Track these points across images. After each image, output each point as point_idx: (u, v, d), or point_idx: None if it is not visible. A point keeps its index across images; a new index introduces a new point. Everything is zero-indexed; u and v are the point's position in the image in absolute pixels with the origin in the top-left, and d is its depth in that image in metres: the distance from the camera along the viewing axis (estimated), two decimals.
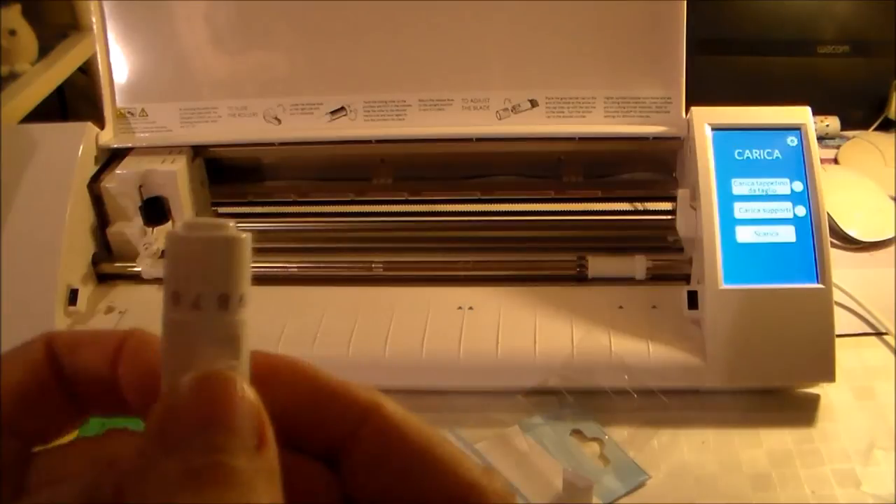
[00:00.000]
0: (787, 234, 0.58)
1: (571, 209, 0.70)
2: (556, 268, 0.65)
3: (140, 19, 0.67)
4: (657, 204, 0.71)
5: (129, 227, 0.66)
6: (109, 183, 0.66)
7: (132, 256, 0.66)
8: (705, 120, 0.61)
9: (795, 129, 0.61)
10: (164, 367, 0.18)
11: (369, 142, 0.68)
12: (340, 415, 0.19)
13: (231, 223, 0.18)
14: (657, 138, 0.65)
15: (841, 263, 0.71)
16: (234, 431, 0.16)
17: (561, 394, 0.58)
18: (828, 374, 0.57)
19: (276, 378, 0.19)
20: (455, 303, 0.63)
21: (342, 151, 0.69)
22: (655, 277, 0.64)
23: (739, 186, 0.59)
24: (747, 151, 0.60)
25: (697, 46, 0.70)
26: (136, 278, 0.66)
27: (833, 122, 0.90)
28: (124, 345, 0.20)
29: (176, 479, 0.16)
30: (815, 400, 0.59)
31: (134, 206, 0.66)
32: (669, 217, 0.66)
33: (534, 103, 0.66)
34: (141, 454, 0.16)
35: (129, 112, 0.69)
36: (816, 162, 0.60)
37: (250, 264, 0.18)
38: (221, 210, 0.72)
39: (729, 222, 0.58)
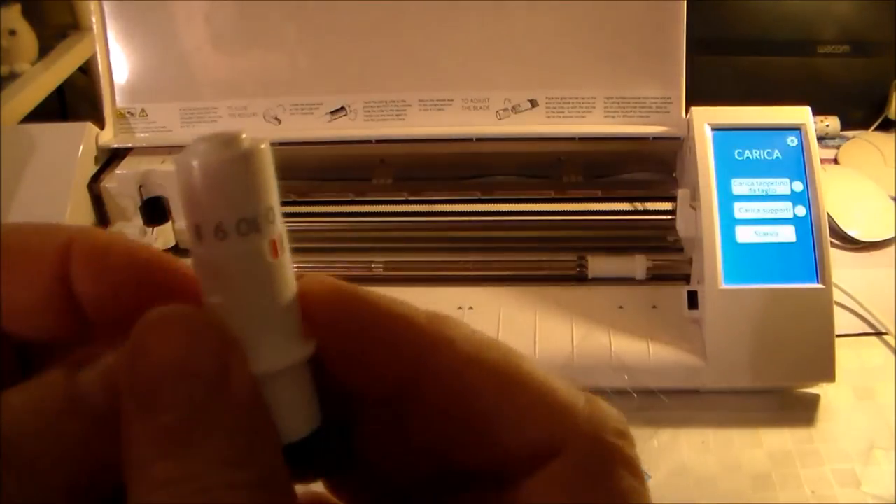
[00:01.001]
0: (787, 234, 0.58)
1: (571, 209, 0.70)
2: (556, 268, 0.65)
3: (140, 19, 0.67)
4: (657, 204, 0.71)
5: (129, 227, 0.66)
6: (109, 183, 0.66)
7: None
8: (705, 120, 0.61)
9: (795, 129, 0.61)
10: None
11: (369, 142, 0.68)
12: (396, 353, 0.16)
13: (243, 133, 0.16)
14: (657, 138, 0.65)
15: (841, 263, 0.71)
16: (196, 376, 0.15)
17: None
18: (828, 374, 0.57)
19: (324, 308, 0.17)
20: (455, 303, 0.63)
21: (342, 151, 0.69)
22: (655, 277, 0.64)
23: (739, 186, 0.59)
24: (747, 151, 0.60)
25: (697, 46, 0.70)
26: None
27: (833, 122, 0.90)
28: (71, 255, 0.17)
29: (148, 443, 0.15)
30: (815, 400, 0.59)
31: (134, 206, 0.66)
32: (669, 217, 0.66)
33: (534, 103, 0.66)
34: (122, 410, 0.15)
35: (129, 112, 0.69)
36: (816, 162, 0.60)
37: (273, 171, 0.16)
38: None
39: (729, 222, 0.58)
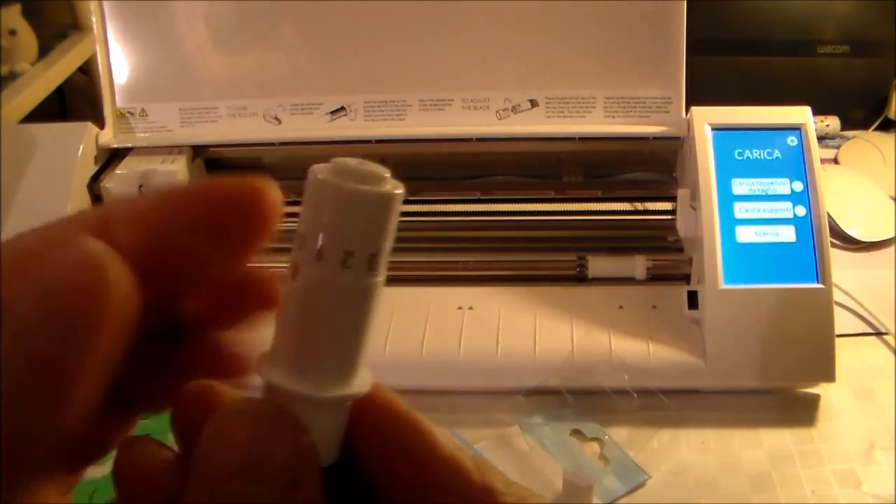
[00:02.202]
0: (787, 234, 0.58)
1: (571, 209, 0.70)
2: (556, 268, 0.65)
3: (140, 19, 0.67)
4: (657, 204, 0.71)
5: None
6: (109, 183, 0.66)
7: None
8: (705, 120, 0.61)
9: (795, 129, 0.61)
10: (284, 325, 0.16)
11: (369, 142, 0.68)
12: (446, 496, 0.18)
13: (387, 173, 0.16)
14: (657, 138, 0.65)
15: (841, 263, 0.71)
16: (264, 480, 0.15)
17: (561, 394, 0.58)
18: (828, 374, 0.57)
19: (384, 430, 0.18)
20: (455, 303, 0.63)
21: (342, 151, 0.69)
22: (655, 277, 0.64)
23: (739, 186, 0.59)
24: (747, 151, 0.60)
25: (697, 46, 0.70)
26: None
27: (833, 122, 0.90)
28: (109, 226, 0.17)
29: None
30: (815, 400, 0.59)
31: None
32: (669, 217, 0.66)
33: (534, 103, 0.66)
34: (188, 490, 0.16)
35: (129, 112, 0.69)
36: (816, 162, 0.60)
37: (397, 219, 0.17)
38: None
39: (729, 222, 0.58)
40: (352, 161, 0.16)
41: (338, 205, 0.16)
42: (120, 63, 0.68)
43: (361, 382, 0.17)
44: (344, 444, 0.18)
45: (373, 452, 0.18)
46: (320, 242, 0.16)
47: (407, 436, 0.18)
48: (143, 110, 0.69)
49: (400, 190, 0.16)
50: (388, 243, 0.17)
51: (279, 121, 0.68)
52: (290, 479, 0.16)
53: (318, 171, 0.16)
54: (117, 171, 0.65)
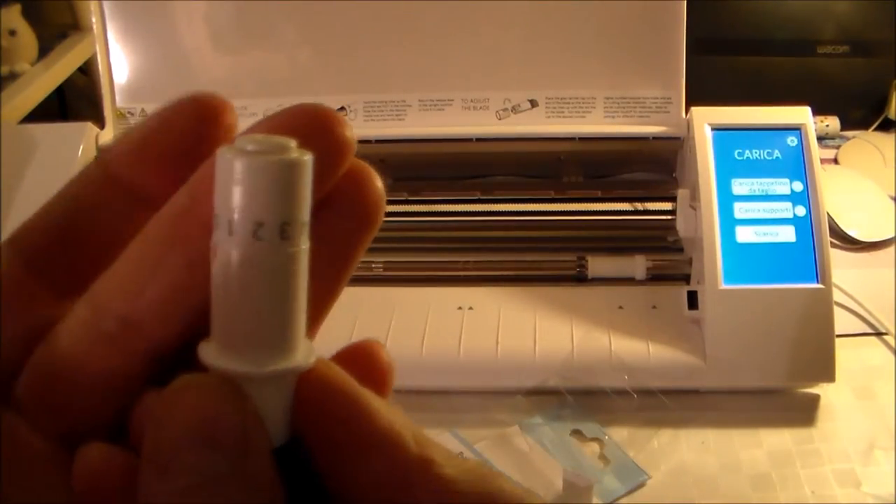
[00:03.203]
0: (787, 234, 0.58)
1: (571, 209, 0.70)
2: (556, 268, 0.65)
3: (140, 19, 0.67)
4: (657, 204, 0.71)
5: None
6: None
7: None
8: (705, 120, 0.61)
9: (795, 129, 0.61)
10: (215, 307, 0.16)
11: (369, 142, 0.67)
12: (383, 470, 0.17)
13: (293, 143, 0.16)
14: (657, 138, 0.65)
15: (841, 263, 0.71)
16: (216, 447, 0.15)
17: (561, 394, 0.58)
18: (828, 374, 0.57)
19: (323, 406, 0.17)
20: (455, 303, 0.63)
21: None
22: (655, 277, 0.64)
23: (739, 186, 0.59)
24: (747, 151, 0.60)
25: (697, 46, 0.70)
26: None
27: (833, 122, 0.90)
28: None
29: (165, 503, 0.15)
30: (815, 400, 0.59)
31: None
32: (669, 217, 0.66)
33: (534, 103, 0.66)
34: (140, 472, 0.16)
35: (129, 112, 0.69)
36: (816, 162, 0.60)
37: (311, 186, 0.17)
38: None
39: (729, 222, 0.58)
40: (256, 136, 0.16)
41: (241, 177, 0.16)
42: (120, 63, 0.68)
43: (303, 356, 0.17)
44: (292, 425, 0.17)
45: (314, 428, 0.17)
46: (230, 218, 0.16)
47: (345, 408, 0.17)
48: (143, 110, 0.69)
49: (307, 157, 0.16)
50: (302, 211, 0.16)
51: None
52: (241, 446, 0.16)
53: (223, 150, 0.16)
54: None
